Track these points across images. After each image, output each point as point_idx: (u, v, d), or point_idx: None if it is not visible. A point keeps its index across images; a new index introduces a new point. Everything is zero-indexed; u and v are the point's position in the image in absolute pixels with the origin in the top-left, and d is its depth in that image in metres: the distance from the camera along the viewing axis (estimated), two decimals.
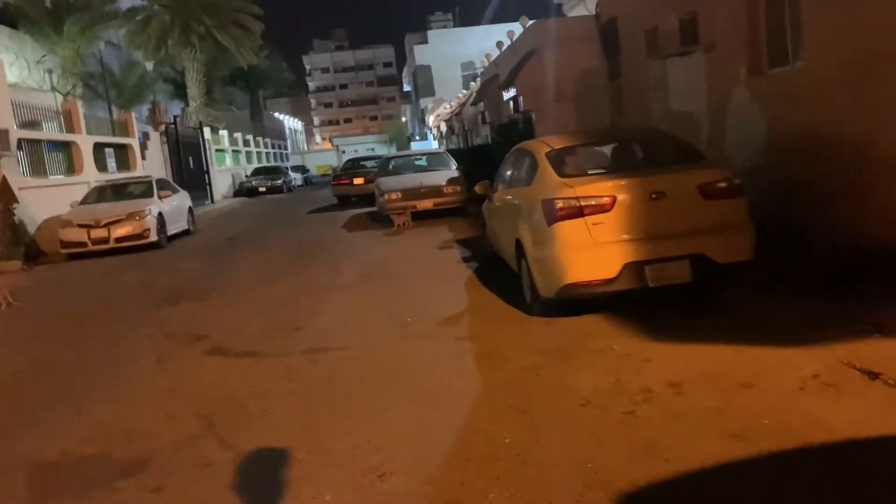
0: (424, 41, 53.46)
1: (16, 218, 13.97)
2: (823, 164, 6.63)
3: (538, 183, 5.87)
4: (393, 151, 55.48)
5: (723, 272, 5.31)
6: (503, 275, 7.47)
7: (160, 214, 14.79)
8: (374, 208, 15.74)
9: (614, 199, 5.20)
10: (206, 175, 28.89)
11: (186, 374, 5.58)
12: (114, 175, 19.39)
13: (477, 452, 3.51)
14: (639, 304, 5.59)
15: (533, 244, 5.68)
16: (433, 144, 45.34)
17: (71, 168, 17.82)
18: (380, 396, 4.50)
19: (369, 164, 23.44)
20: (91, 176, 17.75)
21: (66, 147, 17.81)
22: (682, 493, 3.02)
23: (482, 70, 22.79)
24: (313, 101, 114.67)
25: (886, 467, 3.08)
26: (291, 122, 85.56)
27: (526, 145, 6.81)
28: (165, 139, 24.76)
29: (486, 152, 17.72)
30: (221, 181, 32.87)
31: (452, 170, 15.60)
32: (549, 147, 6.11)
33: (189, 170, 26.44)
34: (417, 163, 16.95)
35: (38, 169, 16.16)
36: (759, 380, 4.05)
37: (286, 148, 67.35)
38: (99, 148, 19.46)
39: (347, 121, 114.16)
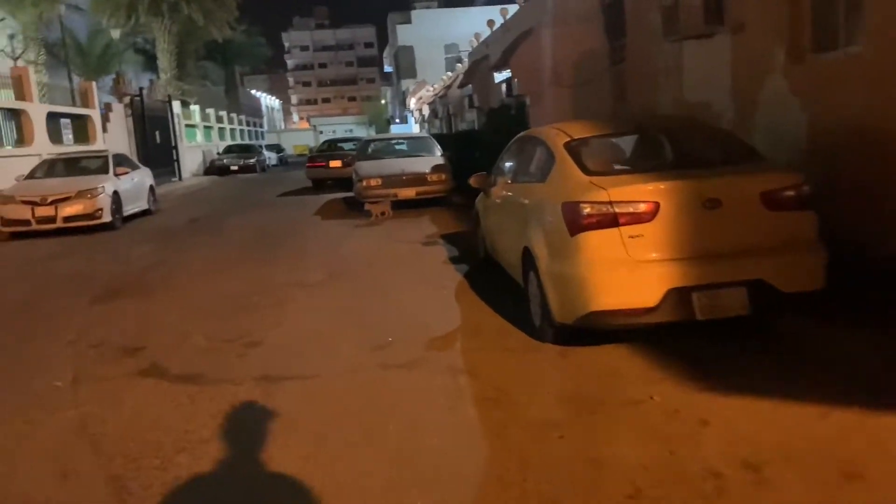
0: (408, 21, 51.82)
1: None
2: (881, 166, 5.63)
3: (556, 180, 4.75)
4: (372, 134, 54.04)
5: (786, 303, 4.26)
6: (501, 283, 6.37)
7: (115, 193, 13.42)
8: (351, 194, 14.55)
9: (657, 205, 4.10)
10: (174, 151, 27.32)
11: (107, 404, 4.39)
12: (70, 148, 17.89)
13: None
14: (674, 332, 4.54)
15: (549, 256, 4.56)
16: (414, 128, 44.00)
17: (21, 139, 16.32)
18: (350, 464, 3.37)
19: (347, 146, 22.14)
20: (43, 148, 16.27)
21: (16, 116, 16.29)
22: None
23: (470, 51, 21.59)
24: (291, 80, 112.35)
25: None
26: (269, 100, 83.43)
27: (537, 133, 5.66)
28: (130, 112, 23.14)
29: (473, 138, 16.56)
30: (191, 158, 31.29)
31: (437, 156, 14.42)
32: (567, 136, 4.99)
33: (155, 145, 24.89)
34: (399, 147, 15.73)
35: None
36: (869, 464, 3.00)
37: (262, 126, 65.42)
38: (54, 119, 17.94)
39: (326, 101, 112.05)
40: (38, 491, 3.33)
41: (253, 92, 75.98)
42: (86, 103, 19.89)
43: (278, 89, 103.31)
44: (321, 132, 65.65)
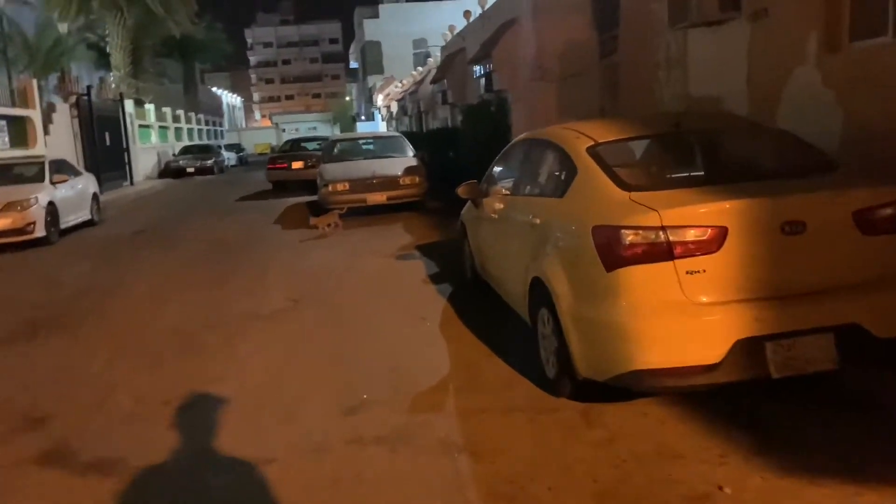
0: (375, 15, 50.49)
1: None
2: None
3: (580, 196, 3.70)
4: (337, 132, 52.58)
5: (881, 352, 3.27)
6: (494, 312, 5.33)
7: (51, 204, 12.01)
8: (315, 198, 13.38)
9: (725, 231, 3.08)
10: (126, 154, 25.66)
11: None
12: (5, 153, 16.33)
13: None
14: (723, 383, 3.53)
15: (573, 295, 3.51)
16: (381, 126, 42.74)
17: None
18: None
19: (311, 145, 20.90)
20: None
21: None
22: None
23: (443, 44, 20.48)
24: (254, 77, 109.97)
25: None
26: (230, 98, 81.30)
27: (545, 135, 4.59)
28: (77, 112, 21.50)
29: (449, 138, 15.50)
30: (145, 160, 29.61)
31: (409, 157, 13.31)
32: (589, 139, 3.94)
33: (105, 147, 23.23)
34: (368, 147, 14.57)
35: None
36: None
37: (222, 125, 63.45)
38: None
39: (289, 98, 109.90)
40: None
41: (214, 90, 73.82)
42: (24, 103, 18.26)
43: (241, 87, 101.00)
44: (283, 130, 63.87)
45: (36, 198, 11.64)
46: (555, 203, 3.94)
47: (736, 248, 3.08)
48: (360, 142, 15.13)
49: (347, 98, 78.94)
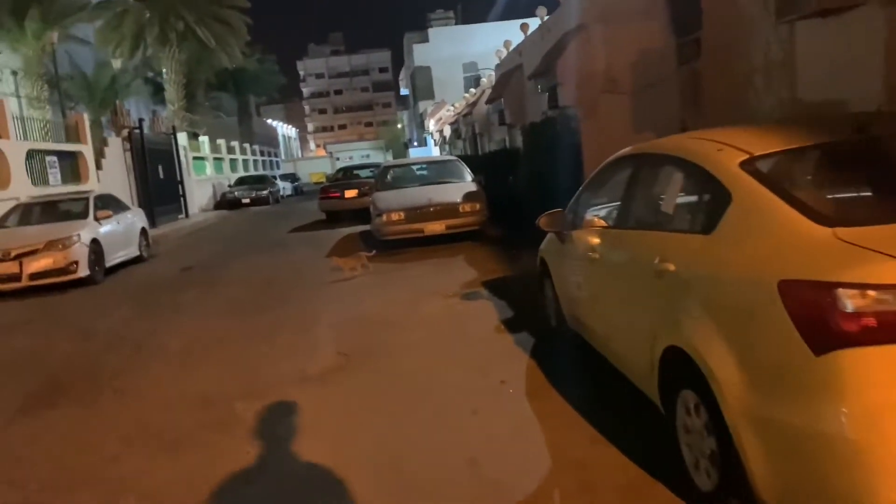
0: (424, 40, 50.12)
1: None
2: None
3: (744, 232, 2.58)
4: (389, 159, 52.25)
5: None
6: (593, 371, 4.22)
7: (94, 241, 11.46)
8: (369, 227, 12.52)
9: None
10: (180, 186, 25.51)
11: None
12: (59, 189, 16.08)
13: None
14: None
15: (751, 384, 2.36)
16: (434, 151, 42.08)
17: None
18: None
19: (364, 172, 20.20)
20: (23, 190, 14.41)
21: None
22: None
23: (498, 63, 19.57)
24: (307, 107, 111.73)
25: None
26: (285, 129, 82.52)
27: (667, 148, 3.46)
28: (129, 146, 21.38)
29: (508, 160, 14.46)
30: (200, 192, 29.55)
31: (468, 182, 12.32)
32: (741, 151, 2.82)
33: (158, 181, 23.07)
34: (423, 173, 13.65)
35: None
36: None
37: (278, 155, 64.12)
38: (38, 156, 16.16)
39: (342, 127, 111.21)
40: None
41: (269, 121, 74.96)
42: (76, 138, 18.13)
43: (295, 118, 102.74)
44: (338, 159, 64.13)
45: (78, 235, 11.08)
46: (698, 242, 2.81)
47: None
48: (415, 167, 14.23)
49: (399, 125, 79.03)
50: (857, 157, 2.81)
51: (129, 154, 21.24)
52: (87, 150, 18.36)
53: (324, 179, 43.15)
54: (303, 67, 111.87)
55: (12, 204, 13.35)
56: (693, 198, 3.05)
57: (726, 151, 2.86)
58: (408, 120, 71.06)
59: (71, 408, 5.12)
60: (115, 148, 20.59)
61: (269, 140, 65.79)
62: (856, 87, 6.31)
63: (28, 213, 12.57)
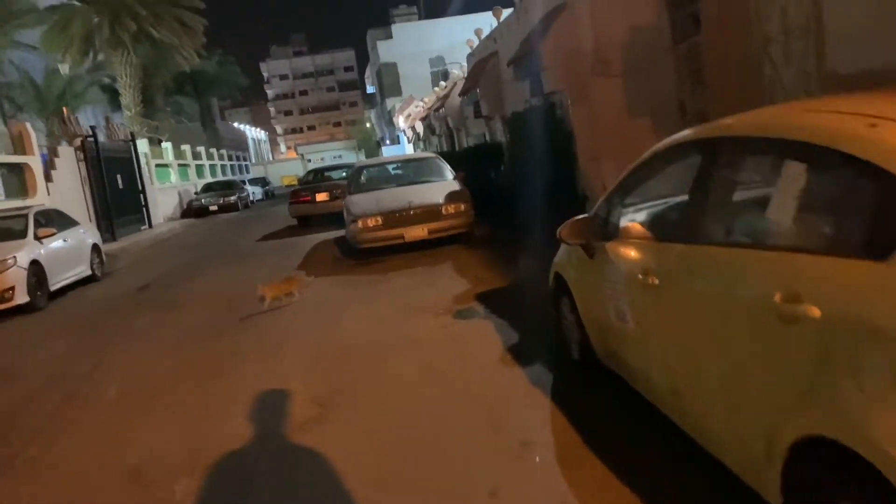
0: (388, 36, 48.89)
1: None
2: None
3: None
4: (363, 158, 50.89)
5: None
6: (655, 433, 3.21)
7: (35, 263, 10.23)
8: (344, 233, 11.46)
9: None
10: (142, 195, 24.10)
11: None
12: (1, 204, 14.73)
13: None
14: None
15: None
16: (408, 149, 40.95)
17: None
18: None
19: (337, 174, 19.07)
20: None
21: None
22: None
23: (469, 52, 18.53)
24: (272, 110, 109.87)
25: None
26: (254, 132, 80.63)
27: (783, 127, 2.35)
28: (83, 155, 19.96)
29: (487, 154, 13.47)
30: (165, 201, 28.11)
31: (450, 180, 11.30)
32: None
33: (117, 191, 21.66)
34: (400, 172, 12.59)
35: None
36: None
37: (248, 159, 62.43)
38: None
39: (311, 128, 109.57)
40: None
41: (236, 125, 73.04)
42: (21, 149, 16.73)
43: (261, 121, 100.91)
44: (309, 160, 62.60)
45: (14, 258, 9.85)
46: (863, 273, 1.81)
47: None
48: (391, 166, 13.15)
49: (367, 124, 77.64)
50: None
51: (83, 164, 19.81)
52: (34, 161, 16.95)
53: (296, 182, 41.77)
54: (266, 69, 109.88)
55: None
56: (832, 201, 2.07)
57: (887, 128, 1.87)
58: (376, 118, 69.81)
59: None
60: (68, 158, 19.17)
61: (238, 144, 64.10)
62: None
63: None
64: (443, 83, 26.48)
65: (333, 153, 66.87)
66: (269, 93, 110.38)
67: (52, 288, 10.74)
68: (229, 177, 40.42)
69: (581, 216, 3.86)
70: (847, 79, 6.11)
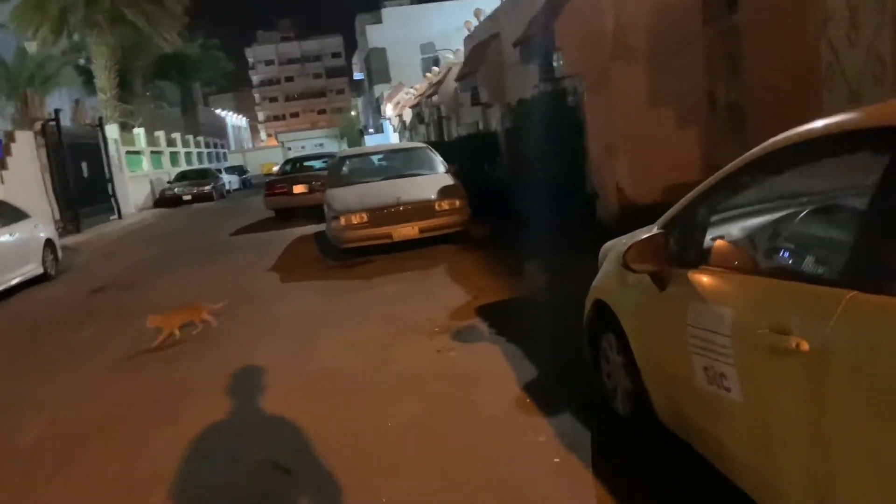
0: (378, 21, 47.46)
1: None
2: None
3: None
4: (345, 148, 49.48)
5: None
6: None
7: None
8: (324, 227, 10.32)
9: None
10: (110, 184, 22.68)
11: None
12: None
13: None
14: None
15: None
16: (392, 138, 39.68)
17: None
18: None
19: (317, 164, 17.84)
20: None
21: None
22: None
23: (468, 34, 17.35)
24: (257, 96, 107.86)
25: None
26: (234, 119, 78.81)
27: None
28: (44, 141, 18.53)
29: (482, 145, 12.38)
30: (136, 190, 26.67)
31: (442, 173, 10.17)
32: None
33: (82, 179, 20.24)
34: (386, 164, 11.44)
35: None
36: None
37: (226, 147, 60.74)
38: None
39: (294, 115, 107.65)
40: None
41: (217, 111, 71.19)
42: None
43: (246, 107, 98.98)
44: (290, 148, 61.01)
45: None
46: None
47: None
48: (376, 157, 11.99)
49: (353, 112, 76.08)
50: None
51: (43, 150, 18.39)
52: None
53: (275, 171, 40.36)
54: (252, 54, 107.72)
55: None
56: None
57: None
58: (363, 106, 68.31)
59: None
60: (26, 143, 17.73)
61: (217, 131, 62.34)
62: None
63: None
64: (435, 68, 25.23)
65: (315, 141, 65.39)
66: (255, 78, 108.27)
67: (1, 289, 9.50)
68: (205, 165, 38.92)
69: (649, 234, 2.75)
70: None
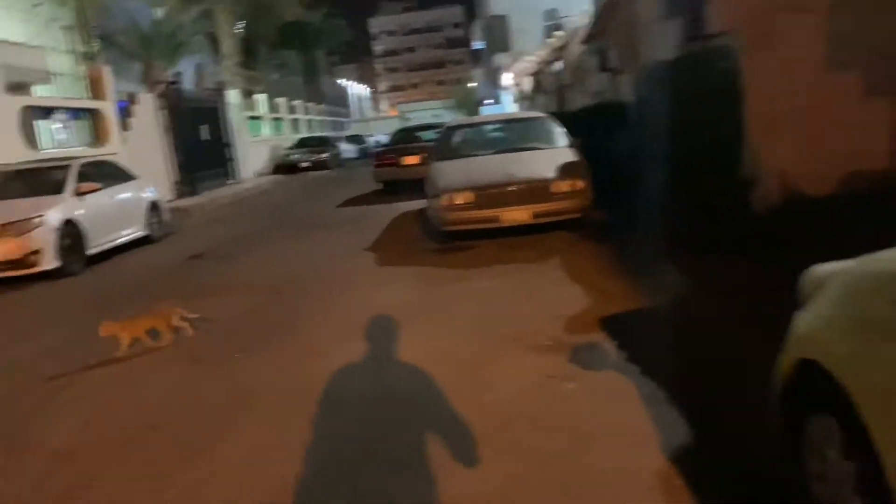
0: None
1: None
2: None
3: None
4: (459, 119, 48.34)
5: None
6: None
7: (69, 223, 8.77)
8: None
9: None
10: (228, 149, 22.92)
11: None
12: (69, 152, 13.56)
13: None
14: None
15: None
16: (510, 109, 38.23)
17: None
18: None
19: (428, 135, 16.89)
20: (13, 154, 11.86)
21: None
22: None
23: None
24: (379, 66, 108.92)
25: None
26: (357, 89, 79.83)
27: None
28: (166, 104, 18.77)
29: (608, 116, 10.95)
30: (255, 155, 26.96)
31: (564, 148, 8.89)
32: None
33: (200, 143, 20.47)
34: (500, 136, 10.27)
35: None
36: None
37: (347, 116, 61.50)
38: (43, 114, 13.69)
39: (414, 86, 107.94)
40: None
41: (340, 81, 72.22)
42: (97, 94, 15.59)
43: (369, 78, 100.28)
44: (409, 119, 60.77)
45: (41, 217, 8.40)
46: None
47: None
48: (489, 128, 10.83)
49: (472, 84, 74.79)
50: None
51: (163, 113, 18.63)
52: (108, 107, 15.79)
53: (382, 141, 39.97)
54: (375, 25, 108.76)
55: None
56: None
57: None
58: (481, 76, 66.92)
59: None
60: (147, 106, 18.00)
61: (339, 100, 63.20)
62: None
63: (2, 185, 9.93)
64: (558, 33, 23.59)
65: (433, 112, 64.69)
66: (377, 49, 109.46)
67: (93, 251, 9.31)
68: (326, 133, 39.17)
69: None
70: None
